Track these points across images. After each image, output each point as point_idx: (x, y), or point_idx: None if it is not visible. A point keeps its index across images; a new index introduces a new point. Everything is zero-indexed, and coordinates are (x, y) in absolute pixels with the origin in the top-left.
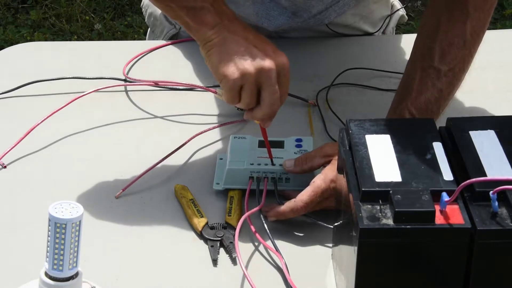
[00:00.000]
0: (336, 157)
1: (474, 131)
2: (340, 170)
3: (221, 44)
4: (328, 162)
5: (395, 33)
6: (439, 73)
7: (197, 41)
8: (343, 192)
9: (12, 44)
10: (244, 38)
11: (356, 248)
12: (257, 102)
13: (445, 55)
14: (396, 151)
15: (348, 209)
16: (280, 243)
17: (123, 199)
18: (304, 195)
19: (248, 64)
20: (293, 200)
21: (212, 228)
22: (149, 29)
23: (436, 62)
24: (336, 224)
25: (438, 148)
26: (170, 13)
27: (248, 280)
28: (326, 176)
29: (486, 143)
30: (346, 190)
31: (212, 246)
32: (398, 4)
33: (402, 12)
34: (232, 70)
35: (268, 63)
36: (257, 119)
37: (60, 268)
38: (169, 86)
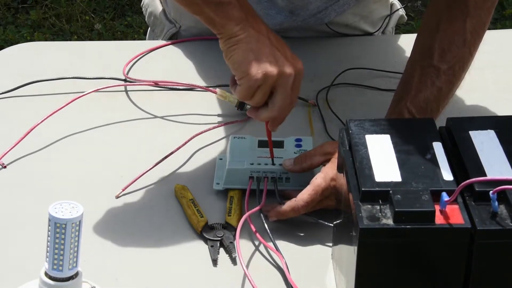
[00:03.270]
0: (336, 155)
1: (474, 131)
2: (340, 169)
3: (246, 42)
4: (328, 161)
5: (395, 33)
6: (438, 71)
7: (218, 35)
8: (343, 191)
9: (12, 44)
10: (268, 38)
11: (356, 248)
12: (265, 103)
13: (445, 53)
14: (396, 151)
15: (348, 209)
16: (280, 243)
17: (123, 199)
18: (304, 194)
19: (271, 67)
20: (293, 199)
21: (212, 228)
22: (149, 28)
23: (435, 60)
24: (336, 222)
25: (438, 148)
26: (193, 8)
27: (249, 279)
28: (327, 174)
29: (486, 143)
30: (346, 189)
31: (212, 246)
32: (398, 4)
33: (402, 12)
34: (256, 69)
35: (288, 68)
36: (261, 119)
37: (60, 268)
38: (169, 86)
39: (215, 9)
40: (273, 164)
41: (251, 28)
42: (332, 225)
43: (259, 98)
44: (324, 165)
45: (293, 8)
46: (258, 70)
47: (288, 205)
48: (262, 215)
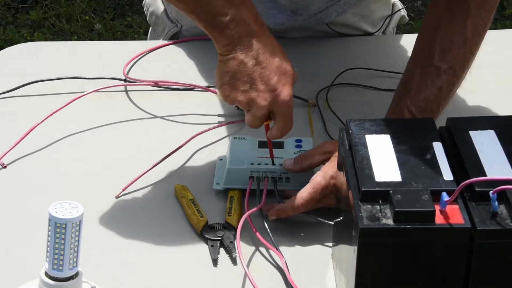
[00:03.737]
0: (336, 154)
1: (474, 131)
2: (340, 167)
3: (228, 64)
4: (328, 159)
5: (395, 33)
6: (438, 71)
7: None
8: (343, 189)
9: (12, 44)
10: (256, 62)
11: (356, 248)
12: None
13: (445, 53)
14: (396, 151)
15: (348, 208)
16: (280, 243)
17: (123, 199)
18: (304, 192)
19: (242, 95)
20: (293, 197)
21: (212, 228)
22: (150, 28)
23: (436, 60)
24: (336, 220)
25: (438, 148)
26: (191, 19)
27: (249, 279)
28: (326, 172)
29: (486, 143)
30: (346, 187)
31: (212, 246)
32: (399, 5)
33: (403, 12)
34: (227, 93)
35: (263, 101)
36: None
37: (60, 268)
38: (169, 86)
39: (206, 26)
40: (273, 164)
41: (239, 52)
42: (332, 223)
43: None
44: (324, 164)
45: (295, 8)
46: (228, 94)
47: (288, 203)
48: (262, 215)
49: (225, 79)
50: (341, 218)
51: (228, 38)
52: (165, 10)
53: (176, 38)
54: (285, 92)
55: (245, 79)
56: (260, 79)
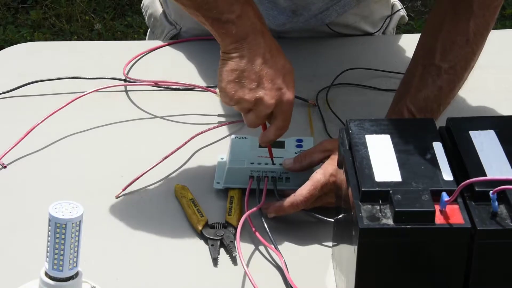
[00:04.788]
0: (336, 152)
1: (474, 131)
2: (340, 166)
3: (236, 62)
4: (328, 157)
5: (395, 33)
6: (439, 70)
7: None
8: (342, 187)
9: (12, 44)
10: (263, 61)
11: (356, 248)
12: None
13: (447, 53)
14: (396, 151)
15: (348, 205)
16: (280, 242)
17: (123, 199)
18: (303, 190)
19: (249, 93)
20: (292, 195)
21: (212, 227)
22: (149, 29)
23: (437, 59)
24: (336, 218)
25: (438, 148)
26: (195, 18)
27: (249, 279)
28: (326, 170)
29: (486, 143)
30: (346, 185)
31: (212, 246)
32: (399, 5)
33: (403, 12)
34: (233, 91)
35: (270, 100)
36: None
37: (60, 268)
38: (169, 86)
39: (213, 24)
40: (273, 163)
41: (246, 50)
42: (333, 220)
43: (238, 110)
44: (324, 163)
45: (295, 9)
46: (234, 93)
47: (287, 200)
48: (262, 214)
49: (231, 77)
50: (341, 216)
51: (235, 36)
52: (163, 12)
53: (175, 40)
54: (290, 91)
55: (253, 77)
56: (267, 78)
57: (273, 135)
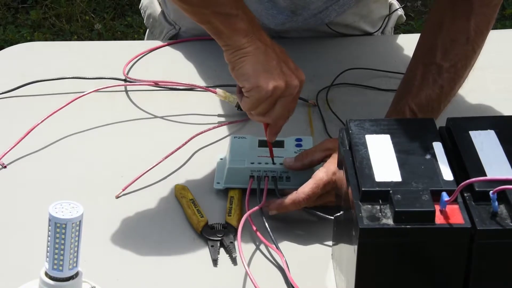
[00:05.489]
0: (337, 151)
1: (474, 131)
2: (340, 165)
3: (254, 54)
4: (329, 156)
5: (394, 33)
6: (440, 69)
7: (223, 47)
8: (343, 187)
9: (12, 44)
10: (273, 50)
11: (356, 248)
12: None
13: (448, 51)
14: (396, 151)
15: (348, 204)
16: (280, 242)
17: (123, 199)
18: (306, 187)
19: (280, 79)
20: (294, 192)
21: (212, 228)
22: (148, 30)
23: (438, 58)
24: (336, 215)
25: (438, 148)
26: (200, 17)
27: (250, 278)
28: (328, 168)
29: (486, 143)
30: (346, 185)
31: (212, 246)
32: (396, 4)
33: (401, 12)
34: (266, 82)
35: (294, 80)
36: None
37: (60, 268)
38: (169, 86)
39: (223, 21)
40: (273, 163)
41: (258, 41)
42: (333, 217)
43: (263, 109)
44: (325, 162)
45: (295, 8)
46: (268, 82)
47: (289, 198)
48: (263, 214)
49: (259, 70)
50: (341, 216)
51: (245, 30)
52: (162, 12)
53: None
54: (301, 72)
55: (275, 63)
56: (285, 61)
57: (282, 117)
